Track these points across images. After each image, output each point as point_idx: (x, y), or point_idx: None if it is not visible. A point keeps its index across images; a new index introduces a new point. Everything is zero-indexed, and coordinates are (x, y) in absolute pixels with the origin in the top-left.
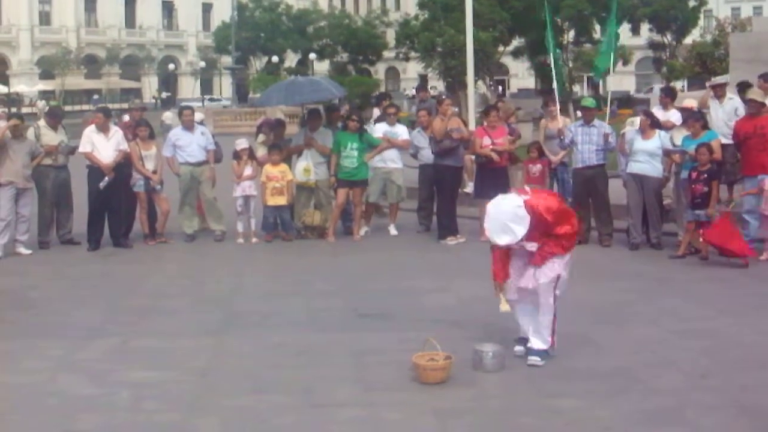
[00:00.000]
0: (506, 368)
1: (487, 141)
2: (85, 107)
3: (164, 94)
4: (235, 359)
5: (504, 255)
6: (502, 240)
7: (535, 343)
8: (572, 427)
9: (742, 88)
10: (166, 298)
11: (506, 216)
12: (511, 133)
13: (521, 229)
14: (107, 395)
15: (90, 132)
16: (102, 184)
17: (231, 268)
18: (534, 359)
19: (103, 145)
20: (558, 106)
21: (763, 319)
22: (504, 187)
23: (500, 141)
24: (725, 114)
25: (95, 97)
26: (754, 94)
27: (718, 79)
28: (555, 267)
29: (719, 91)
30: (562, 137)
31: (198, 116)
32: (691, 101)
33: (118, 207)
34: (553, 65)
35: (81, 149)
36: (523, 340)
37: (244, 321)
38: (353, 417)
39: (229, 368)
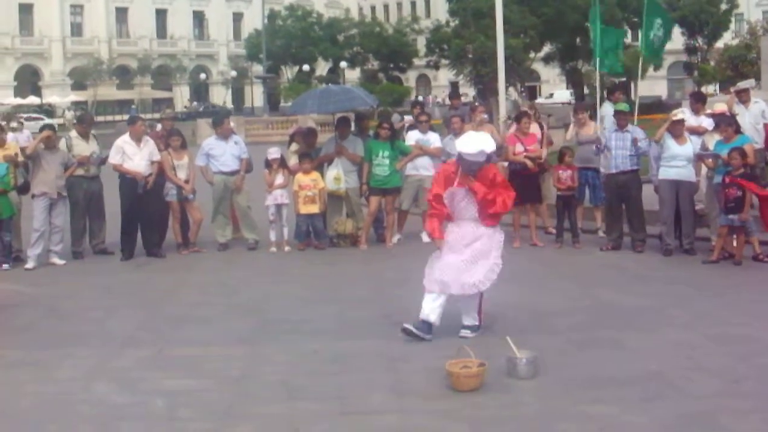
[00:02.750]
0: (540, 375)
1: (519, 148)
2: (117, 117)
3: (195, 104)
4: (269, 367)
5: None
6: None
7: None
8: None
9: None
10: (200, 306)
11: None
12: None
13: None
14: (142, 404)
15: (122, 142)
16: (140, 189)
17: (264, 277)
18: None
19: (136, 155)
20: (587, 113)
21: None
22: (536, 192)
23: (532, 147)
24: (752, 117)
25: (133, 106)
26: None
27: (743, 84)
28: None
29: (744, 96)
30: (597, 145)
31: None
32: (722, 105)
33: (150, 217)
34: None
35: (111, 160)
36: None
37: (277, 329)
38: (387, 424)
39: (262, 376)
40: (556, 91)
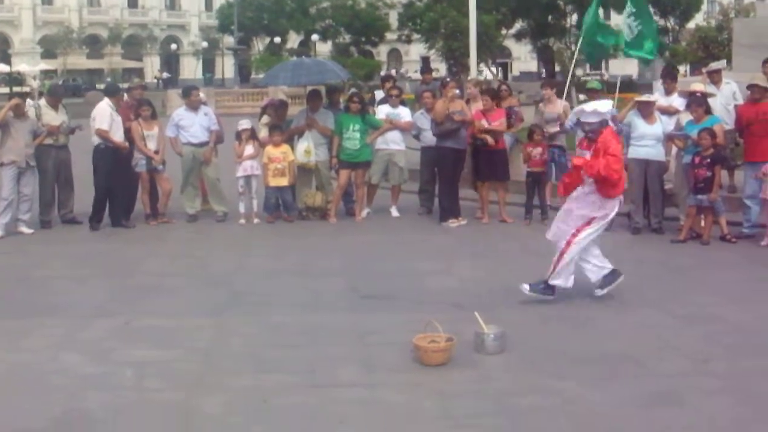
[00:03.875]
0: (507, 350)
1: (485, 124)
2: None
3: (165, 75)
4: (238, 339)
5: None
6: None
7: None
8: (573, 408)
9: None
10: (169, 277)
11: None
12: (512, 116)
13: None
14: (111, 374)
15: (111, 110)
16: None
17: (233, 249)
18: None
19: (119, 125)
20: (554, 90)
21: (765, 305)
22: (502, 168)
23: (498, 123)
24: (724, 98)
25: (108, 79)
26: (758, 79)
27: (714, 65)
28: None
29: (716, 77)
30: (570, 125)
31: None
32: (698, 85)
33: (119, 187)
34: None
35: (100, 125)
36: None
37: (246, 301)
38: (355, 397)
39: (231, 348)
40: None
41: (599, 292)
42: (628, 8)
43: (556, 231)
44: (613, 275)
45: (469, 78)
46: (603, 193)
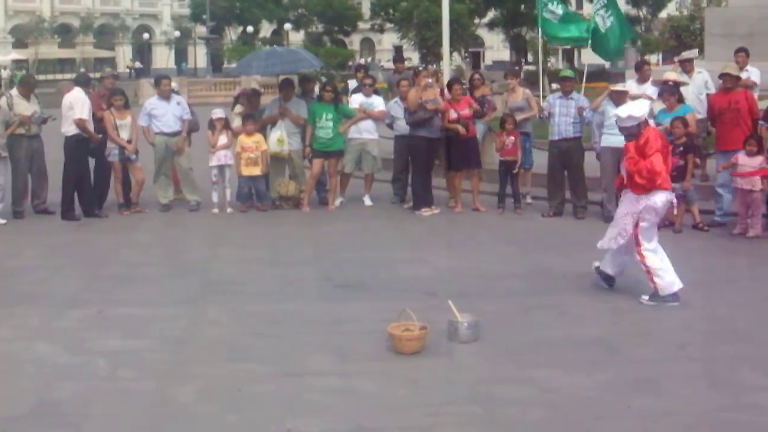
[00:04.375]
0: (481, 339)
1: (453, 114)
2: (59, 76)
3: (137, 64)
4: (211, 328)
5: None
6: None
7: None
8: (548, 396)
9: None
10: (142, 267)
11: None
12: (485, 105)
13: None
14: (84, 364)
15: (87, 100)
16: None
17: (206, 238)
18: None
19: (90, 115)
20: (518, 79)
21: (738, 292)
22: (475, 157)
23: (465, 112)
24: (696, 87)
25: (82, 69)
26: (730, 68)
27: (686, 54)
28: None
29: (688, 66)
30: (541, 114)
31: (172, 86)
32: (672, 74)
33: (92, 177)
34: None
35: (80, 115)
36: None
37: (219, 290)
38: (329, 386)
39: (205, 337)
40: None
41: (644, 299)
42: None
43: (608, 236)
44: (668, 299)
45: (420, 68)
46: (636, 190)
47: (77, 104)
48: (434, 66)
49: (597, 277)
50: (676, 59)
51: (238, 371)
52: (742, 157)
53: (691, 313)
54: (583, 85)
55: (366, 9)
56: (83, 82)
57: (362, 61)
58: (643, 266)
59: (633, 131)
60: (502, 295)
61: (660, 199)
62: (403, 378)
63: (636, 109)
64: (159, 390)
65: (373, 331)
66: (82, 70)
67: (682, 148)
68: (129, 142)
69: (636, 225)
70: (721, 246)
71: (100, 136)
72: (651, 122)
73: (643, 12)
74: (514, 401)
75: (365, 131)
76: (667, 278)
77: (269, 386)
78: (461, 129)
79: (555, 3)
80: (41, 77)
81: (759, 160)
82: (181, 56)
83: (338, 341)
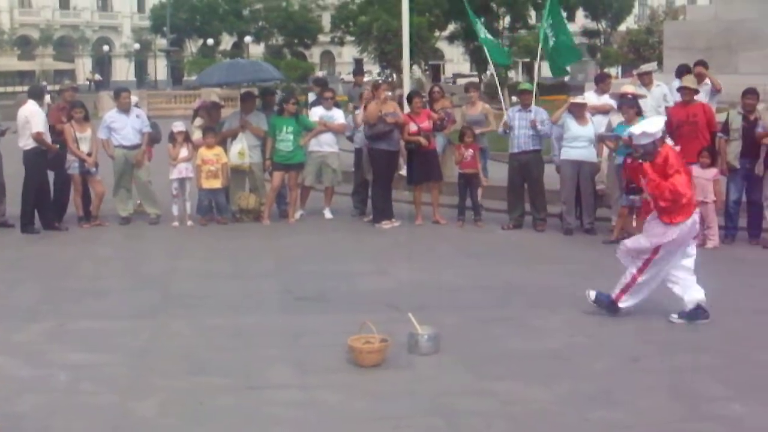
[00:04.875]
0: (441, 351)
1: (413, 127)
2: (19, 89)
3: (97, 77)
4: (172, 341)
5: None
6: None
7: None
8: (507, 409)
9: (681, 72)
10: (102, 280)
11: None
12: (445, 118)
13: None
14: (45, 377)
15: (42, 113)
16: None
17: (166, 251)
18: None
19: (46, 128)
20: (478, 92)
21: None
22: (436, 170)
23: (425, 125)
24: (654, 100)
25: (44, 82)
26: (687, 81)
27: (645, 67)
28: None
29: (646, 79)
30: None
31: (132, 99)
32: (629, 87)
33: (49, 190)
34: (488, 52)
35: (36, 129)
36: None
37: (180, 303)
38: (290, 399)
39: (166, 350)
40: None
41: (674, 318)
42: (547, 20)
43: (626, 248)
44: (696, 313)
45: (365, 80)
46: (662, 217)
47: (33, 118)
48: (392, 78)
49: (604, 306)
50: (634, 72)
51: (200, 384)
52: (696, 170)
53: (647, 324)
54: (537, 98)
55: (326, 22)
56: (36, 94)
57: (321, 74)
58: (630, 276)
59: (649, 149)
60: (462, 307)
61: (686, 226)
62: (363, 390)
63: (650, 126)
64: (120, 403)
65: (334, 344)
66: (44, 83)
67: (640, 161)
68: (89, 155)
69: (656, 251)
70: None
71: (57, 146)
72: (669, 141)
73: (602, 25)
74: (475, 413)
75: (325, 144)
76: (633, 301)
77: (230, 399)
78: (423, 141)
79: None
80: (0, 89)
81: (713, 172)
82: (141, 69)
83: (299, 354)
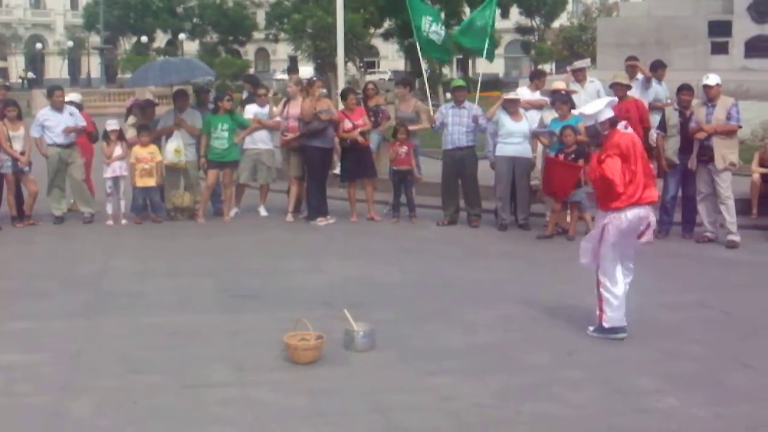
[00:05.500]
0: (377, 347)
1: (348, 124)
2: None
3: (30, 74)
4: (107, 341)
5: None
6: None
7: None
8: (445, 404)
9: (655, 67)
10: (36, 280)
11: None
12: (379, 114)
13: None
14: None
15: None
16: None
17: (101, 250)
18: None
19: None
20: (407, 89)
21: (629, 298)
22: (370, 167)
23: (360, 122)
24: (588, 96)
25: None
26: (620, 77)
27: (578, 64)
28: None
29: (580, 75)
30: (433, 124)
31: (75, 96)
32: (560, 83)
33: None
34: (419, 47)
35: None
36: None
37: (115, 302)
38: (226, 397)
39: (101, 350)
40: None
41: (589, 330)
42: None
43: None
44: (613, 329)
45: (288, 78)
46: (599, 205)
47: None
48: (326, 76)
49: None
50: (568, 68)
51: (135, 383)
52: None
53: (580, 319)
54: (477, 94)
55: (261, 19)
56: None
57: (251, 71)
58: (596, 291)
59: (591, 132)
60: (397, 303)
61: (625, 216)
62: (300, 388)
63: (588, 108)
64: (55, 403)
65: (270, 342)
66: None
67: (573, 156)
68: (22, 153)
69: (602, 244)
70: None
71: None
72: (622, 127)
73: (536, 22)
74: (412, 409)
75: (260, 141)
76: (617, 312)
77: (166, 398)
78: (360, 138)
79: (437, 24)
80: None
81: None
82: (74, 66)
83: (235, 352)
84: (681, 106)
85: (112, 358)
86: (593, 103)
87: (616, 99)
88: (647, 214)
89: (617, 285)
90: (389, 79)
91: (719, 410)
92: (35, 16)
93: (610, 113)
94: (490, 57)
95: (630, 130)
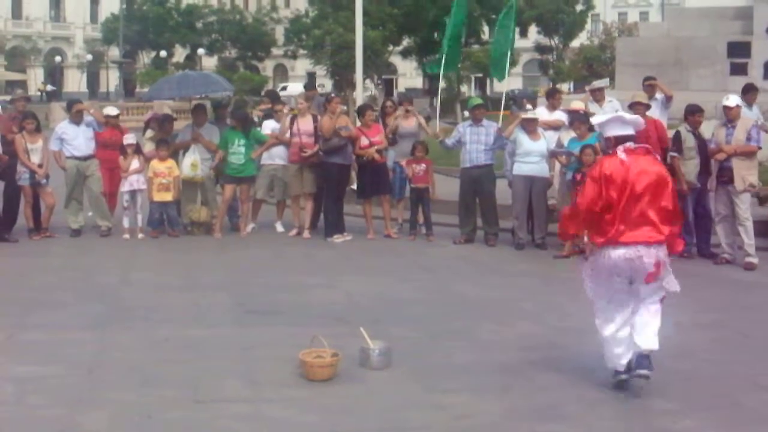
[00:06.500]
0: (393, 365)
1: (365, 141)
2: None
3: (49, 87)
4: (122, 354)
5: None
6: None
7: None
8: (459, 423)
9: (747, 90)
10: (52, 292)
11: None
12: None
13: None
14: None
15: None
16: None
17: (117, 263)
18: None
19: None
20: (413, 106)
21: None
22: (386, 183)
23: (377, 139)
24: None
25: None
26: (639, 97)
27: (597, 84)
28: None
29: (598, 95)
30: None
31: (113, 110)
32: (578, 103)
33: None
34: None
35: None
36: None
37: (130, 315)
38: (240, 413)
39: (115, 363)
40: (290, 83)
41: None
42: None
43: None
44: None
45: (298, 94)
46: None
47: None
48: (344, 93)
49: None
50: (587, 88)
51: (149, 397)
52: None
53: (595, 339)
54: (501, 113)
55: (280, 35)
56: None
57: (270, 87)
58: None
59: (602, 147)
60: (413, 321)
61: (608, 256)
62: (314, 405)
63: (596, 117)
64: (69, 416)
65: (285, 358)
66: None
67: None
68: (40, 166)
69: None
70: None
71: (8, 157)
72: (620, 150)
73: (555, 41)
74: (426, 427)
75: (277, 157)
76: (610, 352)
77: (180, 413)
78: (376, 155)
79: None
80: None
81: None
82: (93, 80)
83: (249, 367)
84: (693, 127)
85: (126, 371)
86: (601, 116)
87: (639, 118)
88: (638, 255)
89: (606, 325)
90: (321, 94)
91: (735, 431)
92: (55, 29)
93: (620, 130)
94: (500, 76)
95: (623, 155)
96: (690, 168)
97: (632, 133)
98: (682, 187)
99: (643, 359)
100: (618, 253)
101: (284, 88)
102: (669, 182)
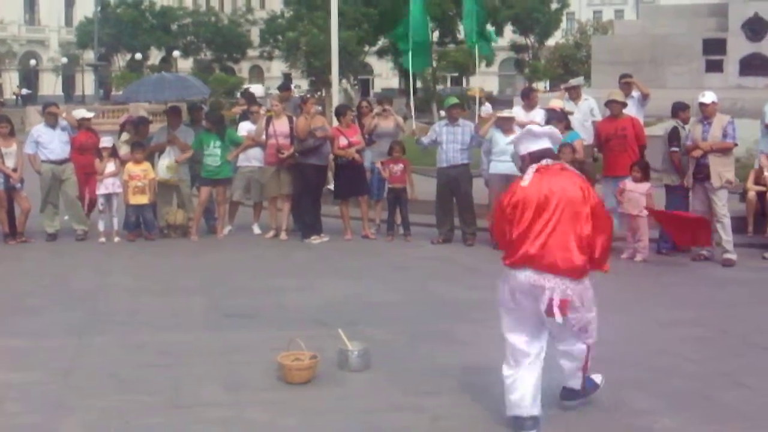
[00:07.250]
0: (372, 367)
1: (343, 141)
2: None
3: (24, 91)
4: (99, 359)
5: None
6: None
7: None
8: (439, 424)
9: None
10: (28, 297)
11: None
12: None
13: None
14: None
15: None
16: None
17: (93, 268)
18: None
19: None
20: (390, 106)
21: (626, 315)
22: (363, 184)
23: (355, 139)
24: (582, 114)
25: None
26: (615, 95)
27: (573, 82)
28: None
29: (574, 93)
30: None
31: (85, 113)
32: (557, 102)
33: None
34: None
35: None
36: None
37: (107, 320)
38: (218, 417)
39: (92, 368)
40: (253, 84)
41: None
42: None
43: None
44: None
45: (273, 95)
46: None
47: None
48: (321, 93)
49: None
50: (563, 86)
51: (127, 403)
52: (629, 183)
53: None
54: (476, 109)
55: (255, 36)
56: None
57: (248, 87)
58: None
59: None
60: (392, 322)
61: (515, 278)
62: (293, 408)
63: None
64: (46, 423)
65: (263, 361)
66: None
67: None
68: (14, 170)
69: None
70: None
71: None
72: (530, 172)
73: (530, 40)
74: (405, 429)
75: (254, 159)
76: (509, 396)
77: (158, 418)
78: (356, 155)
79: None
80: None
81: (646, 186)
82: (68, 83)
83: (228, 371)
84: (683, 124)
85: (103, 376)
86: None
87: (553, 129)
88: (542, 283)
89: (506, 362)
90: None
91: (714, 428)
92: (29, 32)
93: (534, 145)
94: (486, 52)
95: (528, 176)
96: (684, 162)
97: (548, 146)
98: (689, 182)
99: (568, 392)
100: (525, 275)
101: (246, 90)
102: (587, 202)
